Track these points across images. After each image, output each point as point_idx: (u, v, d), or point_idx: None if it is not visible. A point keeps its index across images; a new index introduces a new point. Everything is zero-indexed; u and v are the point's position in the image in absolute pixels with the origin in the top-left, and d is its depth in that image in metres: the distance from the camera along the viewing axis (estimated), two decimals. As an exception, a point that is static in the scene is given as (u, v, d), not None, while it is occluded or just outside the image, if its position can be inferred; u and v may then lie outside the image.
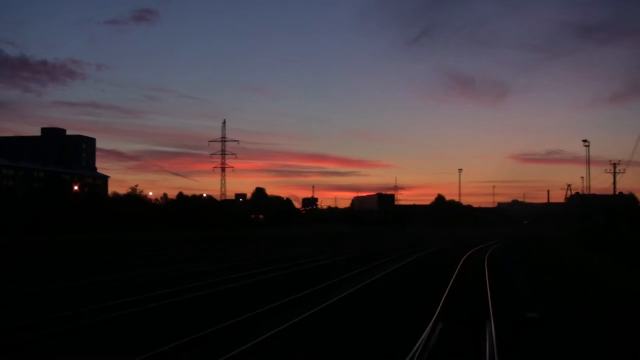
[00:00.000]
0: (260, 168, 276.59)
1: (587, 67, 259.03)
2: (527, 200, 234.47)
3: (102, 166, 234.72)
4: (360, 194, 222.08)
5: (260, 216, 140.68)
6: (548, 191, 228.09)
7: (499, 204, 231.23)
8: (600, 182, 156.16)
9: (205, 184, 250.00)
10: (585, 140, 65.53)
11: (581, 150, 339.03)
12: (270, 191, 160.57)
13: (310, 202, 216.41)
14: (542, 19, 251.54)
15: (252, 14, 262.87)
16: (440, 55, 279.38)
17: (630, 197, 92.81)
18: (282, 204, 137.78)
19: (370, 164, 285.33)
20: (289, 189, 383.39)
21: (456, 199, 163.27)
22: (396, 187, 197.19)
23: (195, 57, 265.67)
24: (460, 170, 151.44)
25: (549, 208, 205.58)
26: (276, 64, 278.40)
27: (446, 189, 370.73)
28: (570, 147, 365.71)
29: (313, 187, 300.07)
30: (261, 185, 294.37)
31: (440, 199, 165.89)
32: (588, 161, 68.27)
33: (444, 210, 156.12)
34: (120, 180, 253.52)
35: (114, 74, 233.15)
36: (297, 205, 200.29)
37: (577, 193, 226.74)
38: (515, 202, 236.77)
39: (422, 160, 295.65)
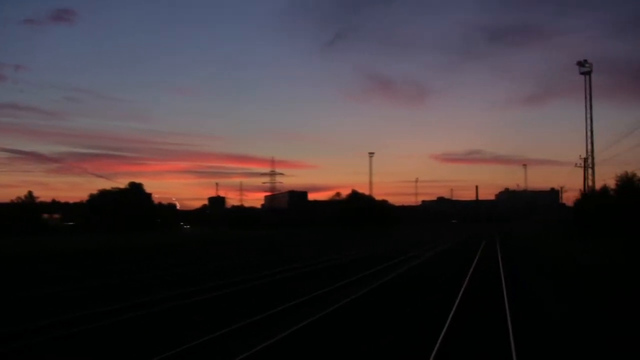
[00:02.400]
0: (184, 169, 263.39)
1: (502, 69, 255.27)
2: (454, 198, 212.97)
3: (22, 169, 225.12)
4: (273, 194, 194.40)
5: (55, 216, 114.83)
6: (477, 187, 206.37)
7: (423, 201, 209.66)
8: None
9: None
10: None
11: (499, 150, 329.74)
12: (194, 192, 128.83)
13: (217, 202, 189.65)
14: (457, 22, 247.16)
15: (174, 13, 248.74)
16: (359, 56, 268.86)
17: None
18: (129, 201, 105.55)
19: (293, 164, 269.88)
20: (212, 190, 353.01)
21: (376, 197, 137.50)
22: (272, 172, 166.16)
23: (116, 57, 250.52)
24: (371, 154, 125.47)
25: (477, 205, 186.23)
26: (198, 64, 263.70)
27: (367, 189, 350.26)
28: (489, 147, 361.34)
29: (217, 184, 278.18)
30: (183, 187, 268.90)
31: (354, 194, 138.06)
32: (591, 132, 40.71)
33: (359, 209, 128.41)
34: (41, 183, 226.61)
35: (32, 74, 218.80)
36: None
37: (506, 189, 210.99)
38: (441, 200, 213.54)
39: (344, 160, 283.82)
